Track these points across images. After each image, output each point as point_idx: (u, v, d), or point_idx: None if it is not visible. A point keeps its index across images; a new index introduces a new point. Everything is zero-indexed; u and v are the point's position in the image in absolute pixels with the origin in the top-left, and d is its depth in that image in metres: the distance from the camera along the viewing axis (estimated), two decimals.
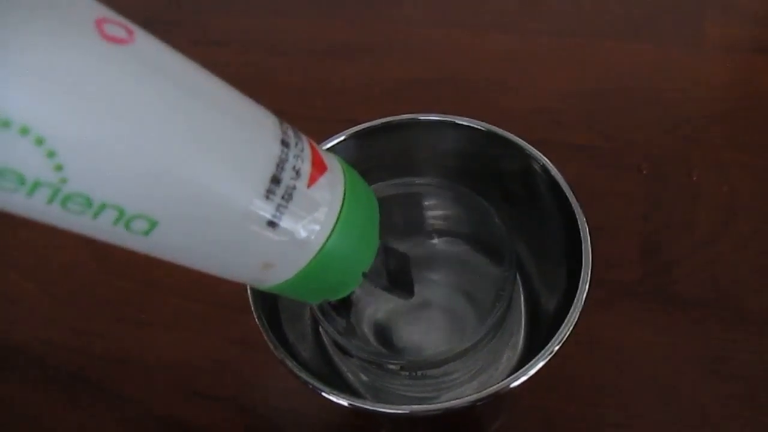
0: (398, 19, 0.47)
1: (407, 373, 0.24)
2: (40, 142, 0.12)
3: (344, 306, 0.24)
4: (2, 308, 0.36)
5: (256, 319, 0.23)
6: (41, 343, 0.35)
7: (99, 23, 0.13)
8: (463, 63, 0.44)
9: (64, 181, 0.13)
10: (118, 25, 0.13)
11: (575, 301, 0.22)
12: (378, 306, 0.30)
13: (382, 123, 0.27)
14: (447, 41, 0.45)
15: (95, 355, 0.34)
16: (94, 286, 0.36)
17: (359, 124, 0.28)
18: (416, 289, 0.23)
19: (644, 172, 0.36)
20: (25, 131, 0.12)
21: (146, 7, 0.50)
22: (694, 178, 0.36)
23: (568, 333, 0.22)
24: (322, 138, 0.27)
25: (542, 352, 0.22)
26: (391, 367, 0.23)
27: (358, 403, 0.22)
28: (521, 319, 0.29)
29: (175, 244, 0.16)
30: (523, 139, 0.26)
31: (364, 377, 0.28)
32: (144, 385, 0.33)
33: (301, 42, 0.47)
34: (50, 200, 0.13)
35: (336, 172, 0.18)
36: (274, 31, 0.48)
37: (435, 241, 0.29)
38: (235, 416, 0.31)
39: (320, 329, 0.28)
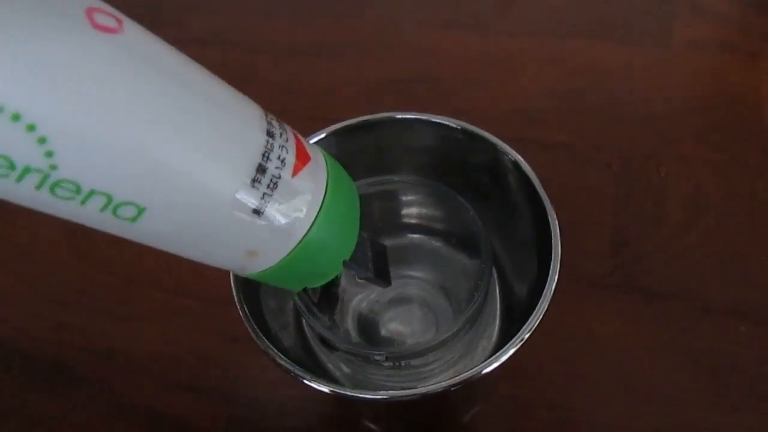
0: (378, 20, 0.48)
1: (390, 364, 0.25)
2: (31, 128, 0.12)
3: (329, 302, 0.25)
4: None
5: (239, 310, 0.24)
6: (24, 337, 0.35)
7: (89, 12, 0.13)
8: (442, 63, 0.44)
9: (54, 167, 0.13)
10: (107, 14, 0.14)
11: (545, 291, 0.23)
12: (359, 301, 0.31)
13: (360, 121, 0.28)
14: (425, 41, 0.46)
15: (78, 348, 0.35)
16: (76, 282, 0.37)
17: (339, 122, 0.29)
18: (395, 283, 0.24)
19: (614, 168, 0.38)
20: (16, 117, 0.12)
21: (127, 4, 0.50)
22: (662, 175, 0.37)
23: (537, 322, 0.23)
24: (304, 135, 0.28)
25: (513, 340, 0.23)
26: (377, 358, 0.24)
27: (339, 390, 0.22)
28: (496, 311, 0.30)
29: (161, 231, 0.16)
30: (498, 137, 0.27)
31: (345, 369, 0.29)
32: (127, 377, 0.33)
33: (281, 41, 0.48)
34: (39, 186, 0.13)
35: (319, 162, 0.19)
36: (254, 30, 0.49)
37: (412, 236, 0.30)
38: (217, 407, 0.32)
39: (304, 324, 0.29)
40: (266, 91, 0.44)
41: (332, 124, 0.29)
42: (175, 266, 0.36)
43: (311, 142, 0.27)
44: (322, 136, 0.28)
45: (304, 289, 0.24)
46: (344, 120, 0.29)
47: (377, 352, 0.24)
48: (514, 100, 0.42)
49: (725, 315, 0.32)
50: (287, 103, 0.43)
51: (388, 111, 0.28)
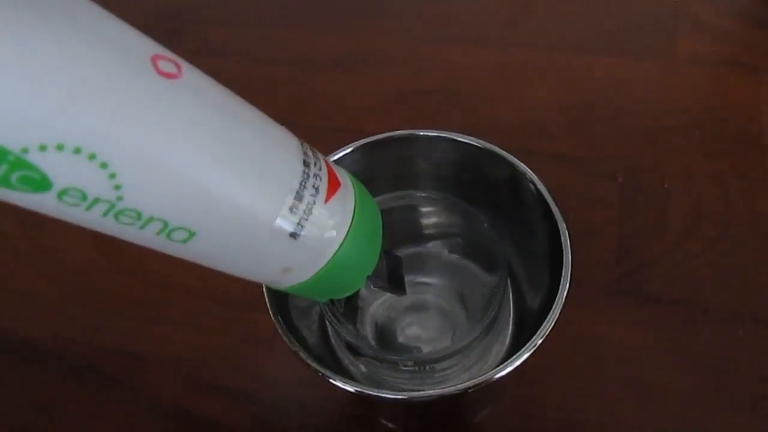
0: (391, 33, 0.49)
1: (415, 368, 0.26)
2: (104, 165, 0.14)
3: (352, 312, 0.26)
4: (21, 306, 0.38)
5: (272, 316, 0.25)
6: (57, 339, 0.37)
7: (154, 60, 0.15)
8: (453, 76, 0.46)
9: (120, 198, 0.14)
10: (169, 60, 0.15)
11: (557, 299, 0.25)
12: (377, 308, 0.32)
13: (385, 137, 0.29)
14: (439, 55, 0.47)
15: (108, 350, 0.36)
16: (107, 286, 0.38)
17: (354, 133, 0.30)
18: (413, 291, 0.26)
19: (620, 179, 0.39)
20: (92, 157, 0.13)
21: (146, 17, 0.52)
22: (666, 186, 0.39)
23: (550, 328, 0.24)
24: (319, 146, 0.29)
25: (527, 345, 0.24)
26: (407, 363, 0.26)
27: (364, 390, 0.24)
28: (509, 317, 0.32)
29: (207, 251, 0.18)
30: (509, 149, 0.29)
31: (363, 368, 0.31)
32: (155, 377, 0.35)
33: (298, 53, 0.49)
34: (105, 213, 0.15)
35: (347, 187, 0.20)
36: (272, 42, 0.50)
37: (431, 246, 0.32)
38: (242, 406, 0.33)
39: (329, 330, 0.30)
40: (284, 102, 0.46)
41: (347, 134, 0.30)
42: (201, 271, 0.37)
43: (339, 155, 0.29)
44: (349, 150, 0.29)
45: (331, 301, 0.26)
46: (359, 130, 0.30)
47: (405, 358, 0.26)
48: (523, 113, 0.43)
49: (725, 320, 0.34)
50: (304, 113, 0.45)
51: (401, 123, 0.30)
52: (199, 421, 0.34)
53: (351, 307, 0.26)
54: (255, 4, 0.53)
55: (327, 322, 0.29)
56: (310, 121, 0.44)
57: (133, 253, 0.39)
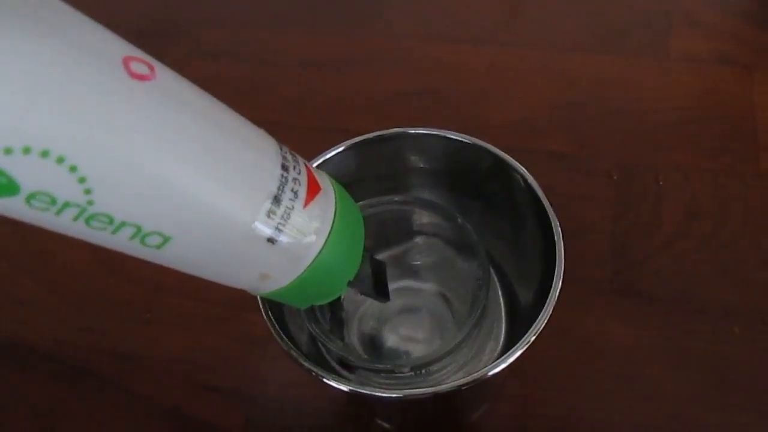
0: (384, 34, 0.49)
1: (412, 373, 0.26)
2: (73, 169, 0.13)
3: (338, 327, 0.26)
4: (14, 309, 0.38)
5: (264, 316, 0.25)
6: (51, 342, 0.37)
7: (126, 61, 0.14)
8: (447, 75, 0.46)
9: (91, 203, 0.14)
10: (141, 62, 0.15)
11: (549, 296, 0.24)
12: (362, 315, 0.32)
13: (376, 135, 0.29)
14: (431, 55, 0.47)
15: (102, 352, 0.36)
16: (100, 288, 0.38)
17: (349, 133, 0.30)
18: (397, 295, 0.25)
19: (614, 177, 0.39)
20: (60, 160, 0.13)
21: (139, 20, 0.52)
22: (660, 183, 0.39)
23: (543, 325, 0.24)
24: (313, 146, 0.29)
25: (519, 342, 0.24)
26: (404, 370, 0.26)
27: (358, 389, 0.24)
28: (501, 316, 0.31)
29: (183, 257, 0.18)
30: (502, 147, 0.29)
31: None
32: (150, 379, 0.35)
33: (291, 54, 0.49)
34: (76, 218, 0.14)
35: (328, 191, 0.20)
36: (265, 43, 0.50)
37: (410, 249, 0.32)
38: (237, 407, 0.33)
39: (321, 347, 0.30)
40: (277, 103, 0.46)
41: (342, 134, 0.30)
42: (195, 276, 0.38)
43: (329, 155, 0.29)
44: (341, 149, 0.29)
45: (316, 320, 0.25)
46: (355, 131, 0.30)
47: (400, 364, 0.26)
48: (517, 111, 0.43)
49: (720, 317, 0.34)
50: (297, 114, 0.45)
51: (395, 122, 0.30)
52: (193, 423, 0.33)
53: (336, 321, 0.26)
54: (248, 6, 0.53)
55: (315, 339, 0.29)
56: (303, 121, 0.44)
57: (127, 257, 0.39)
